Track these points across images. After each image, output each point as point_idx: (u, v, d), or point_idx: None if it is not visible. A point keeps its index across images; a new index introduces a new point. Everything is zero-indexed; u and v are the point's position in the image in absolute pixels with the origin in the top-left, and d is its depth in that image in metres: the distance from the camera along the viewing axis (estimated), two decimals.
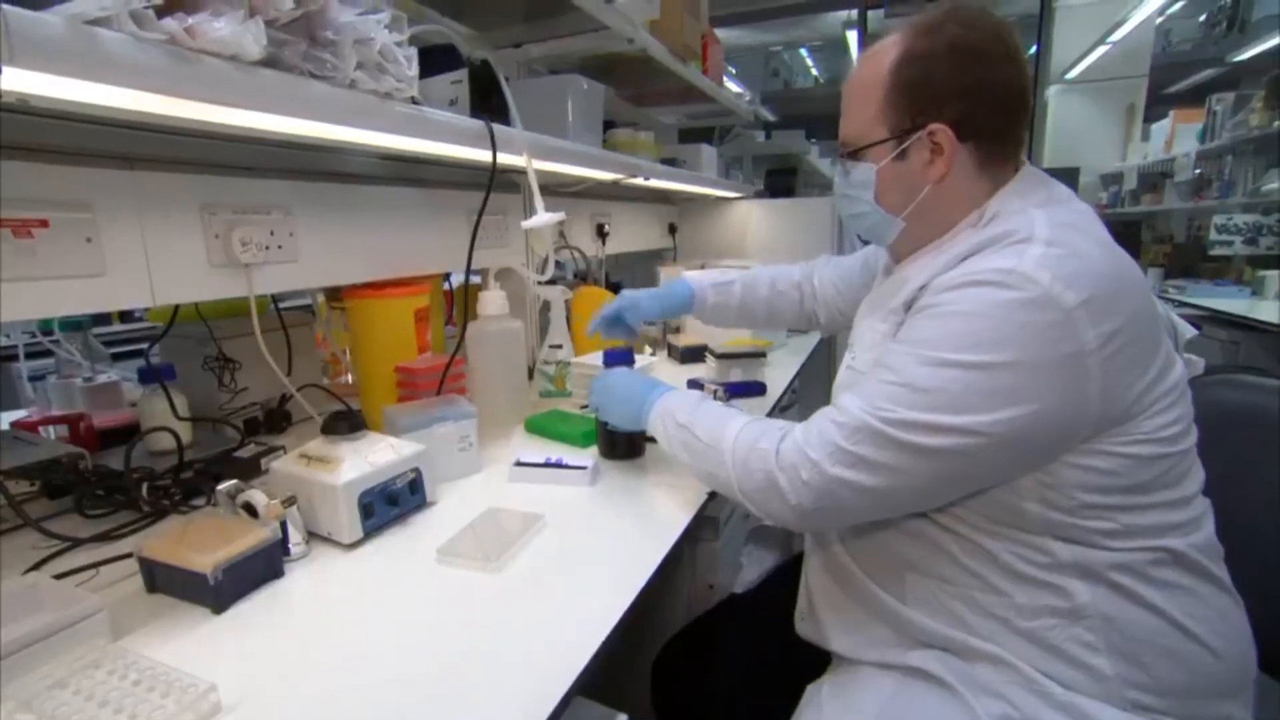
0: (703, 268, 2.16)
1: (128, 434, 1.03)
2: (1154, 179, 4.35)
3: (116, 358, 1.36)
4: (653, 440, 0.86)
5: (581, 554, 0.75)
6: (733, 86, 5.02)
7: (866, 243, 1.01)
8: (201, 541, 0.65)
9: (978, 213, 0.67)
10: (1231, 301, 2.81)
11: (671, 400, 0.82)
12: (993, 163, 0.67)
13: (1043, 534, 0.60)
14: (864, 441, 0.59)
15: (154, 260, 0.78)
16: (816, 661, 0.77)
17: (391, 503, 0.79)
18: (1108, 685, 0.59)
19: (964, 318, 0.57)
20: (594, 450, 1.08)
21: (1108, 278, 0.56)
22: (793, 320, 1.17)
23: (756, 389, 1.37)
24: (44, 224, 0.68)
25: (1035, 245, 0.57)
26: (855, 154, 0.71)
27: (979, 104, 0.65)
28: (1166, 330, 0.65)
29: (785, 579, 0.88)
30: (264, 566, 0.68)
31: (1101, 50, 4.38)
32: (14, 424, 1.05)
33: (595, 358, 1.31)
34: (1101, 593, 0.60)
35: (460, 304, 1.26)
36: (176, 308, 1.04)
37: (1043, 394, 0.55)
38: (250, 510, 0.72)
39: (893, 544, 0.69)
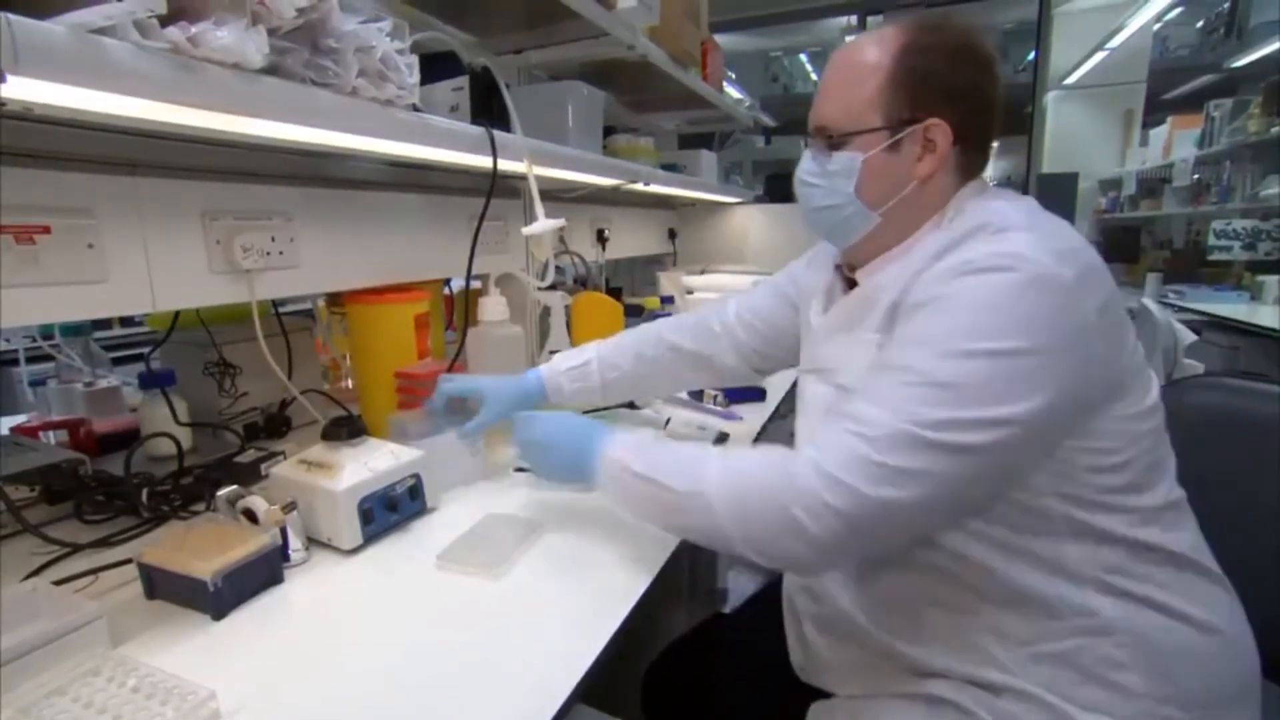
0: (703, 273, 2.17)
1: (128, 439, 1.03)
2: (1152, 184, 4.36)
3: (117, 362, 1.36)
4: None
5: (581, 560, 0.75)
6: (732, 92, 5.03)
7: None
8: (201, 548, 0.65)
9: (939, 214, 0.67)
10: (1231, 306, 2.81)
11: (619, 447, 0.70)
12: (967, 171, 0.67)
13: (1061, 534, 0.59)
14: (900, 451, 0.53)
15: (155, 266, 0.79)
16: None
17: (391, 509, 0.79)
18: (1139, 704, 0.58)
19: (974, 306, 0.55)
20: None
21: (1088, 253, 0.58)
22: (672, 384, 1.07)
23: (755, 395, 1.37)
24: (46, 230, 0.68)
25: (1017, 231, 0.58)
26: (839, 142, 0.67)
27: (974, 108, 0.65)
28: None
29: (778, 597, 0.83)
30: (264, 573, 0.68)
31: (1100, 56, 4.40)
32: (14, 429, 1.05)
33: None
34: (1125, 606, 0.59)
35: (460, 309, 1.26)
36: (177, 313, 1.04)
37: (1064, 371, 0.54)
38: (250, 516, 0.72)
39: (900, 581, 0.66)
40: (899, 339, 0.59)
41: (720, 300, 1.01)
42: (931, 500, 0.54)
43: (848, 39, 0.77)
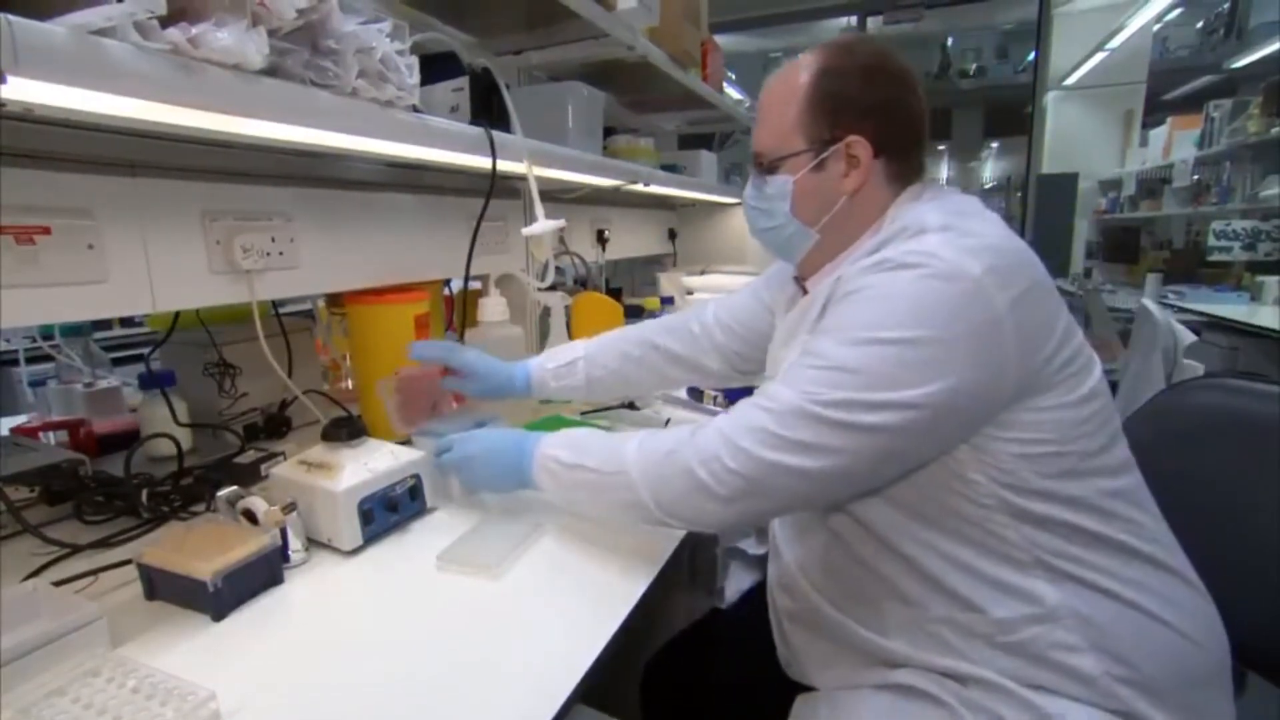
0: (703, 274, 2.17)
1: (128, 440, 1.03)
2: (1152, 185, 4.36)
3: (117, 363, 1.36)
4: None
5: (581, 560, 0.75)
6: (732, 93, 5.04)
7: None
8: (201, 548, 0.65)
9: (878, 222, 0.70)
10: (1231, 307, 2.81)
11: (549, 445, 0.75)
12: (900, 180, 0.71)
13: (1001, 521, 0.61)
14: (799, 426, 0.58)
15: (155, 267, 0.79)
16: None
17: (391, 509, 0.79)
18: (1097, 685, 0.59)
19: (880, 298, 0.59)
20: None
21: (1005, 250, 0.60)
22: (657, 383, 1.07)
23: None
24: (46, 230, 0.68)
25: (931, 233, 0.61)
26: (772, 166, 0.72)
27: (890, 120, 0.69)
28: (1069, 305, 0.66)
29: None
30: (264, 573, 0.68)
31: (1100, 57, 4.40)
32: (14, 429, 1.05)
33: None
34: (1069, 590, 0.61)
35: (460, 310, 1.26)
36: (177, 313, 1.04)
37: (968, 360, 0.57)
38: (250, 517, 0.72)
39: (861, 575, 0.68)
40: (817, 330, 0.65)
41: (702, 302, 1.03)
42: (830, 470, 0.59)
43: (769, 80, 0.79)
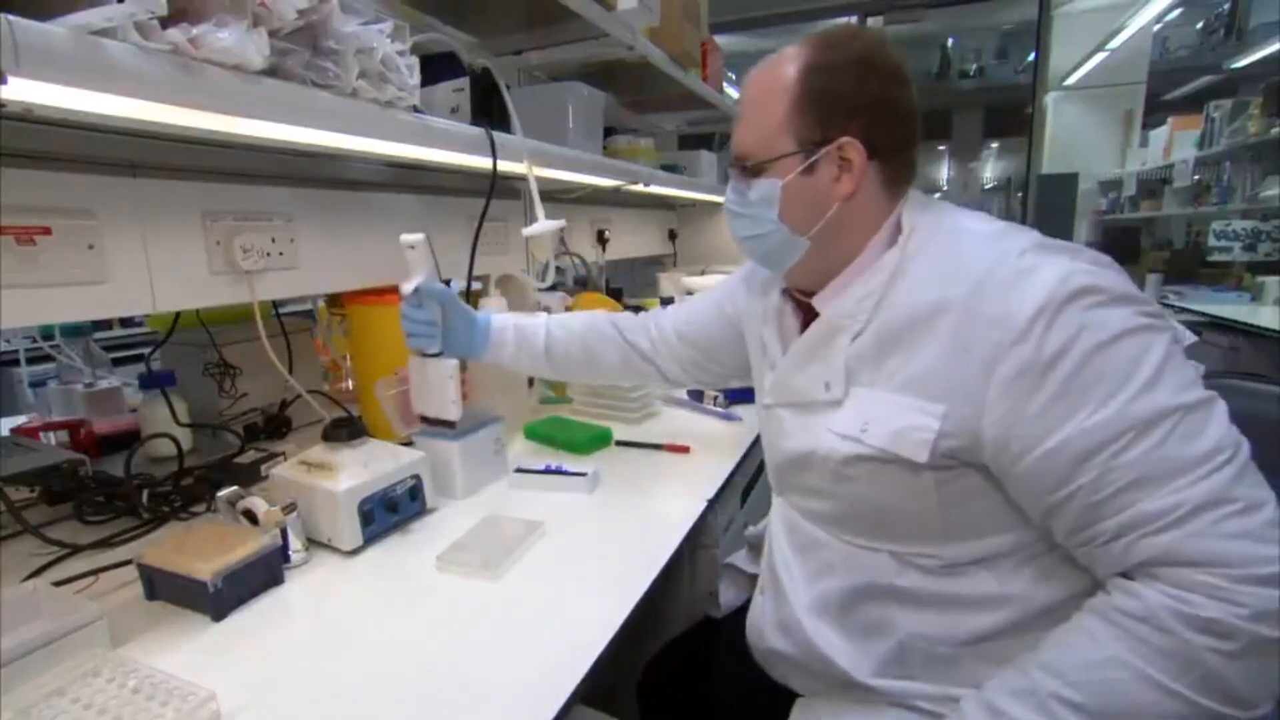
0: (703, 273, 2.17)
1: (128, 440, 1.03)
2: (1152, 185, 4.36)
3: (117, 363, 1.37)
4: None
5: (581, 561, 0.75)
6: (732, 93, 5.04)
7: None
8: (201, 549, 0.65)
9: (887, 230, 0.65)
10: (1231, 307, 2.81)
11: None
12: (894, 183, 0.66)
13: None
14: (1229, 483, 0.51)
15: (155, 267, 0.79)
16: None
17: (391, 510, 0.79)
18: None
19: (1112, 339, 0.53)
20: (594, 457, 1.07)
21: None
22: (621, 369, 0.98)
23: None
24: (46, 231, 0.68)
25: (1048, 252, 0.58)
26: (756, 169, 0.66)
27: (883, 119, 0.63)
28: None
29: None
30: (264, 574, 0.68)
31: (1100, 57, 4.40)
32: (14, 429, 1.05)
33: None
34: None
35: None
36: (177, 314, 1.04)
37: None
38: (250, 517, 0.72)
39: (885, 614, 0.64)
40: (1090, 414, 0.53)
41: (658, 309, 1.00)
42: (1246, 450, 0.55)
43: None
